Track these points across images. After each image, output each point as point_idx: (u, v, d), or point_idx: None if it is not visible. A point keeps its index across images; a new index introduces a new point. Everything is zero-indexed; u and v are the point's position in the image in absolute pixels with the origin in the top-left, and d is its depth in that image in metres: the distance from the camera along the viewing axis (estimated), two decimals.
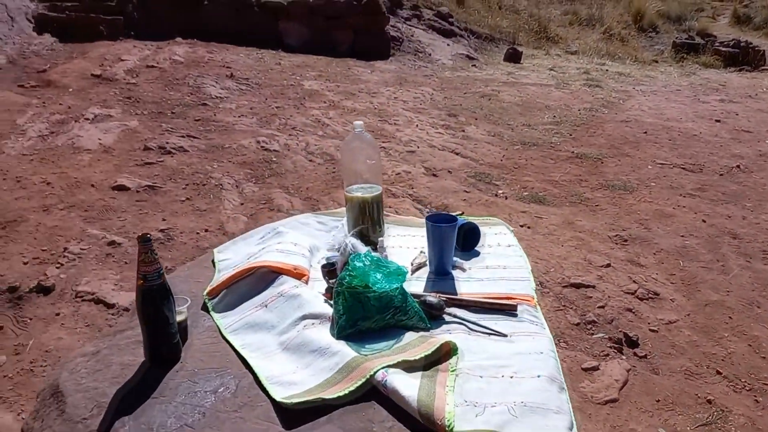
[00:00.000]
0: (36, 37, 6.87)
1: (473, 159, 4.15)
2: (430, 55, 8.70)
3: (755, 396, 1.98)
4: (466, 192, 3.51)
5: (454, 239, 1.55)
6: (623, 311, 2.41)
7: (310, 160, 3.91)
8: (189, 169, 3.62)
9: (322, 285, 1.51)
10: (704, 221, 3.21)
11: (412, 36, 9.01)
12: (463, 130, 4.84)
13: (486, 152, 4.32)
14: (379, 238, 1.65)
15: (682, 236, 3.05)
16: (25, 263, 2.44)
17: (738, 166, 4.15)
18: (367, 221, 1.72)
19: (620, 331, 2.29)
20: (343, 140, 1.70)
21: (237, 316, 1.38)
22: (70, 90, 5.23)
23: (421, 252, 1.68)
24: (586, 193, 3.60)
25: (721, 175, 4.00)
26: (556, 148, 4.52)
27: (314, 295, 1.39)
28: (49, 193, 3.12)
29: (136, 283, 1.18)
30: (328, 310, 1.33)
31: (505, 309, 1.39)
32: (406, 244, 1.76)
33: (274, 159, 3.88)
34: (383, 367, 1.13)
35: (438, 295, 1.42)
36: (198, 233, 2.85)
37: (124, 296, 2.26)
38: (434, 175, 3.78)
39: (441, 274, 1.57)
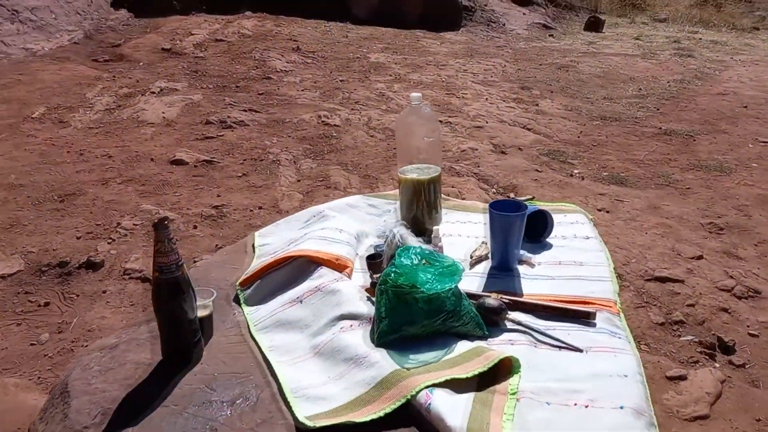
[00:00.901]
0: (112, 12, 7.02)
1: (546, 135, 3.83)
2: (503, 25, 8.25)
3: None
4: (538, 171, 3.22)
5: (521, 230, 1.33)
6: (717, 311, 2.10)
7: (371, 136, 3.73)
8: (248, 144, 3.53)
9: (368, 278, 1.34)
10: None
11: (485, 5, 8.57)
12: (537, 104, 4.50)
13: (561, 128, 3.99)
14: (434, 227, 1.45)
15: None
16: (78, 238, 2.41)
17: None
18: (422, 206, 1.53)
19: (713, 334, 1.99)
20: (399, 114, 1.50)
21: (269, 310, 1.23)
22: (141, 64, 5.28)
23: (483, 243, 1.47)
24: (674, 174, 3.23)
25: None
26: (640, 123, 4.11)
27: (355, 290, 1.22)
28: (109, 167, 3.12)
29: (152, 275, 1.05)
30: (369, 310, 1.16)
31: (580, 316, 1.16)
32: (465, 232, 1.55)
33: (334, 134, 3.73)
34: (428, 386, 0.94)
35: (499, 296, 1.21)
36: (251, 210, 2.74)
37: None
38: (503, 152, 3.51)
39: (504, 270, 1.36)
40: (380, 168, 3.24)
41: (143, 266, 2.22)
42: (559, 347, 1.08)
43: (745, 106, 4.45)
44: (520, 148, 3.56)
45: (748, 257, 2.43)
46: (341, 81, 5.03)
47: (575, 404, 0.94)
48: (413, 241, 1.22)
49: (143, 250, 2.35)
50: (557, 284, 1.29)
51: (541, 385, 0.98)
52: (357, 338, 1.09)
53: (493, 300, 1.18)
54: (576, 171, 3.25)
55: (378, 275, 1.28)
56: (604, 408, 0.93)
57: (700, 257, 2.40)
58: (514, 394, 0.96)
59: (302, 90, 4.74)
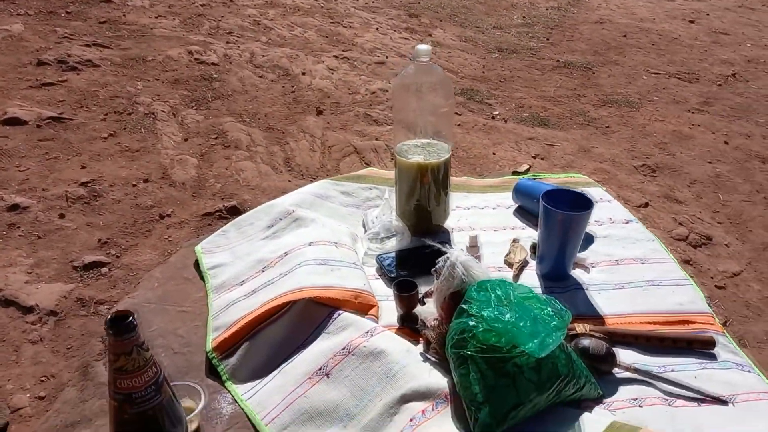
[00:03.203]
0: None
1: (452, 71, 3.54)
2: None
3: None
4: (457, 114, 2.94)
5: (585, 230, 1.03)
6: (682, 264, 2.02)
7: (261, 76, 3.15)
8: (104, 91, 2.79)
9: (392, 309, 0.96)
10: (726, 143, 2.86)
11: None
12: (431, 35, 4.17)
13: (463, 62, 3.72)
14: (470, 234, 1.10)
15: (710, 162, 2.68)
16: None
17: (733, 75, 3.81)
18: (427, 193, 1.16)
19: None
20: (398, 75, 1.09)
21: (278, 394, 0.82)
22: None
23: (514, 241, 1.15)
24: (590, 111, 3.14)
25: (719, 85, 3.65)
26: (537, 55, 3.98)
27: (405, 348, 0.85)
28: None
29: (109, 406, 0.59)
30: (443, 384, 0.80)
31: (695, 345, 0.92)
32: (477, 223, 1.22)
33: (215, 75, 3.09)
34: None
35: (586, 327, 0.92)
36: (135, 185, 2.14)
37: (45, 291, 1.59)
38: None
39: (558, 280, 1.07)
40: (284, 117, 2.73)
41: (0, 283, 1.60)
42: (699, 400, 0.82)
43: (625, 35, 4.52)
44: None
45: (687, 200, 2.40)
46: (203, 5, 4.24)
47: None
48: (478, 270, 0.86)
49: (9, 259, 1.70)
50: (636, 296, 1.02)
51: None
52: None
53: (593, 341, 0.87)
54: (496, 113, 3.02)
55: (425, 319, 0.91)
56: None
57: (646, 205, 2.32)
58: None
59: (156, 17, 3.90)
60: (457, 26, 4.46)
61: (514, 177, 1.37)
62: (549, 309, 0.79)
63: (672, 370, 0.86)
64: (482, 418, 0.74)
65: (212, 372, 0.85)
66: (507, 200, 1.30)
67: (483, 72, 3.59)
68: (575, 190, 1.07)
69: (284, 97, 2.94)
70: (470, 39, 4.18)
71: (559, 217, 1.00)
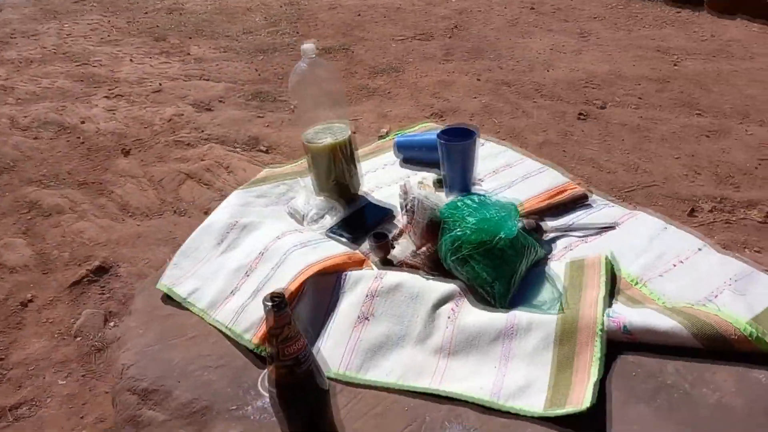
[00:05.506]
0: None
1: (231, 81, 3.63)
2: None
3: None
4: (260, 117, 3.08)
5: (476, 152, 1.32)
6: None
7: (35, 138, 2.87)
8: None
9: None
10: (479, 79, 3.49)
11: None
12: (188, 53, 4.15)
13: (236, 71, 3.81)
14: (399, 184, 1.30)
15: (476, 97, 3.27)
16: None
17: (456, 27, 4.56)
18: (341, 168, 1.33)
19: None
20: (293, 73, 1.24)
21: (338, 350, 0.94)
22: None
23: (420, 182, 1.40)
24: (368, 84, 3.52)
25: (450, 37, 4.34)
26: (296, 48, 4.23)
27: (411, 276, 1.03)
28: None
29: (276, 381, 0.67)
30: (453, 286, 1.00)
31: (578, 201, 1.27)
32: (381, 182, 1.43)
33: None
34: (603, 313, 0.92)
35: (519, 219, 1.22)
36: None
37: None
38: (208, 109, 3.19)
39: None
40: (91, 170, 2.57)
41: None
42: (599, 232, 1.18)
43: (359, 14, 5.03)
44: (221, 101, 3.29)
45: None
46: None
47: (674, 265, 1.06)
48: (435, 198, 1.08)
49: None
50: (524, 187, 1.35)
51: (638, 266, 1.06)
52: (479, 317, 0.96)
53: (523, 221, 1.17)
54: (293, 105, 3.22)
55: (417, 255, 1.10)
56: (691, 257, 1.08)
57: None
58: (638, 284, 1.02)
59: None
60: (208, 39, 4.50)
61: (382, 140, 1.62)
62: (498, 207, 1.06)
63: (574, 222, 1.21)
64: (498, 291, 0.98)
65: (261, 363, 0.95)
66: (390, 158, 1.54)
67: (259, 75, 3.74)
68: (457, 127, 1.35)
69: (76, 150, 2.74)
70: (228, 48, 4.27)
71: (453, 147, 1.27)
